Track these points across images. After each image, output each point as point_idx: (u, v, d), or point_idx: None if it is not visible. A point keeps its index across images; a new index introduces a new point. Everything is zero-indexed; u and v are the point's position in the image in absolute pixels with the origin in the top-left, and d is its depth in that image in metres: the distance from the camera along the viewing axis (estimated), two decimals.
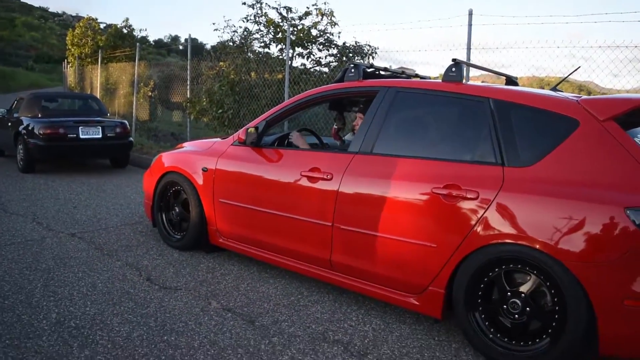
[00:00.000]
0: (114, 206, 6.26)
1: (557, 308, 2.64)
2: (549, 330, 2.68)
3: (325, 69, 9.69)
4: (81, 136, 8.43)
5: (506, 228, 2.73)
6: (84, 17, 20.48)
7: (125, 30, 18.82)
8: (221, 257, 4.47)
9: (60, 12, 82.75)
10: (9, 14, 63.98)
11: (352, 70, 3.81)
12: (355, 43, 9.71)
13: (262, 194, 3.92)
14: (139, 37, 20.05)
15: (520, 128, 2.90)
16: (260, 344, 2.92)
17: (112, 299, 3.47)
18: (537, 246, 2.63)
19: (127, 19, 19.04)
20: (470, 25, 6.21)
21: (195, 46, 12.12)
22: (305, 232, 3.61)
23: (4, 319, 3.10)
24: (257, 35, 9.92)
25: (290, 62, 9.01)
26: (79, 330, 3.01)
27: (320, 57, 9.84)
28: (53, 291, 3.56)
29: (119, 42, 18.06)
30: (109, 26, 20.43)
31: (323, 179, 3.48)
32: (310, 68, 9.75)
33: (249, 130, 4.02)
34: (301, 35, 9.35)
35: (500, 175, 2.82)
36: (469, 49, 6.29)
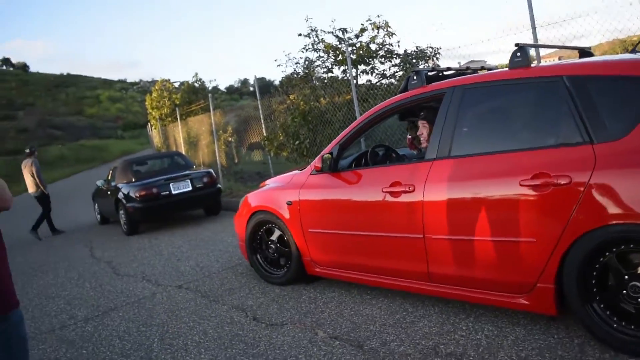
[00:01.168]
0: (213, 253, 6.50)
1: None
2: None
3: (392, 80, 9.63)
4: (173, 192, 8.90)
5: (609, 208, 2.53)
6: (158, 81, 21.88)
7: (197, 85, 19.84)
8: (321, 285, 4.49)
9: (137, 80, 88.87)
10: (93, 91, 69.57)
11: (415, 77, 3.73)
12: (417, 48, 9.58)
13: (347, 217, 3.93)
14: (210, 88, 21.05)
15: (603, 100, 2.70)
16: None
17: (223, 343, 3.58)
18: None
19: (196, 74, 20.14)
20: (530, 2, 5.94)
21: (264, 85, 12.56)
22: (398, 248, 3.57)
23: None
24: (319, 62, 10.06)
25: (355, 81, 9.06)
26: None
27: (384, 70, 9.79)
28: (169, 344, 3.73)
29: (192, 96, 19.08)
30: (182, 84, 21.71)
31: (405, 191, 3.45)
32: (377, 82, 9.73)
33: (324, 157, 4.07)
34: (361, 52, 9.37)
35: (591, 154, 2.63)
36: (533, 28, 5.99)
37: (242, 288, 4.78)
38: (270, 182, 4.95)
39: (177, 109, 17.13)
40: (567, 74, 2.85)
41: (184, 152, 15.75)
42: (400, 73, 9.64)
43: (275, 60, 12.76)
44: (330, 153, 4.06)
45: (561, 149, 2.77)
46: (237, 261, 5.83)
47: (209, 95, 13.73)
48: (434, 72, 3.91)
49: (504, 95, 3.22)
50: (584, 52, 3.83)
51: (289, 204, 4.37)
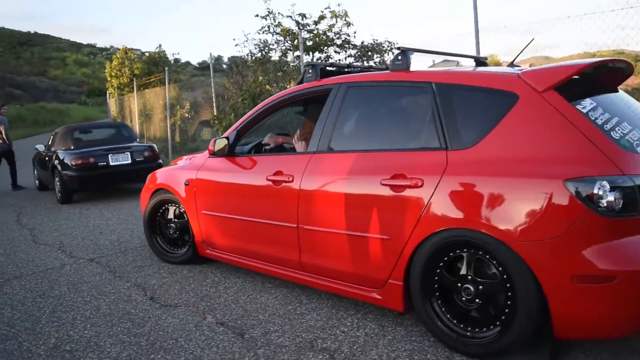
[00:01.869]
0: (139, 228, 6.37)
1: (508, 292, 2.54)
2: (502, 317, 2.58)
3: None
4: (111, 163, 8.70)
5: (450, 213, 2.66)
6: (120, 49, 21.30)
7: (158, 57, 19.38)
8: (228, 270, 4.45)
9: (108, 46, 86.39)
10: (60, 53, 67.41)
11: (310, 71, 3.80)
12: (374, 41, 9.57)
13: (235, 201, 3.99)
14: (172, 61, 20.61)
15: (462, 109, 2.82)
16: (244, 357, 2.85)
17: (111, 320, 3.50)
18: (481, 229, 2.54)
19: (159, 45, 19.75)
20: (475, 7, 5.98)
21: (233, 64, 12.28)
22: (276, 236, 3.65)
23: (6, 347, 3.18)
24: (274, 46, 9.95)
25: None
26: (72, 354, 3.04)
27: (339, 60, 9.75)
28: (58, 317, 3.63)
29: (153, 68, 18.64)
30: (143, 54, 21.18)
31: (285, 181, 3.52)
32: None
33: (217, 141, 4.11)
34: (317, 39, 9.30)
35: (444, 159, 2.75)
36: (477, 32, 6.04)
37: (152, 266, 4.70)
38: (180, 161, 4.90)
39: (135, 79, 16.72)
40: (436, 81, 2.94)
41: (137, 125, 15.41)
42: (356, 64, 9.61)
43: (234, 40, 12.51)
44: (227, 138, 4.08)
45: (420, 153, 2.89)
46: None
47: (166, 68, 13.43)
48: (333, 69, 3.95)
49: (381, 95, 3.34)
50: (479, 61, 3.88)
51: (187, 184, 4.40)
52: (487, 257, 2.61)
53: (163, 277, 4.37)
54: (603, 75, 2.88)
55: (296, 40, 9.49)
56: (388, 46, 9.51)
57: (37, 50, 66.84)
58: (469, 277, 2.70)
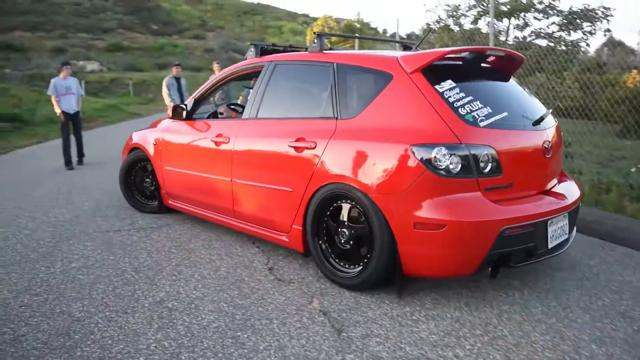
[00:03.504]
0: None
1: (371, 237, 3.05)
2: (365, 258, 3.14)
3: (548, 42, 8.32)
4: None
5: (333, 170, 3.24)
6: (320, 17, 21.85)
7: (358, 25, 19.39)
8: None
9: (321, 16, 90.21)
10: (277, 22, 72.60)
11: (252, 49, 4.39)
12: (585, 7, 8.10)
13: (188, 158, 4.64)
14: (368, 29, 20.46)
15: (351, 86, 3.40)
16: None
17: (223, 284, 3.39)
18: (352, 183, 3.11)
19: (358, 13, 19.66)
20: None
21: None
22: (216, 188, 4.27)
23: (122, 292, 3.25)
24: (466, 11, 9.03)
25: (506, 37, 7.99)
26: (171, 312, 2.98)
27: (540, 28, 8.50)
28: (179, 271, 3.64)
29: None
30: (340, 22, 21.42)
31: (223, 142, 4.13)
32: (530, 40, 8.50)
33: (176, 107, 4.76)
34: (514, 2, 8.18)
35: (333, 127, 3.33)
36: None
37: None
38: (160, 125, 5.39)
39: (330, 47, 16.94)
40: (337, 62, 3.50)
41: None
42: (563, 33, 8.29)
43: (424, 5, 11.75)
44: (185, 104, 4.76)
45: (319, 120, 3.47)
46: None
47: (356, 37, 13.24)
48: (273, 48, 4.49)
49: (297, 72, 3.95)
50: (406, 46, 4.54)
51: (154, 143, 5.05)
52: (359, 207, 3.13)
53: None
54: (495, 61, 3.56)
55: (488, 4, 8.49)
56: (602, 14, 7.97)
57: (258, 19, 72.97)
58: (345, 223, 3.26)
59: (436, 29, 9.39)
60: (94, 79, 33.85)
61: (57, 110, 8.48)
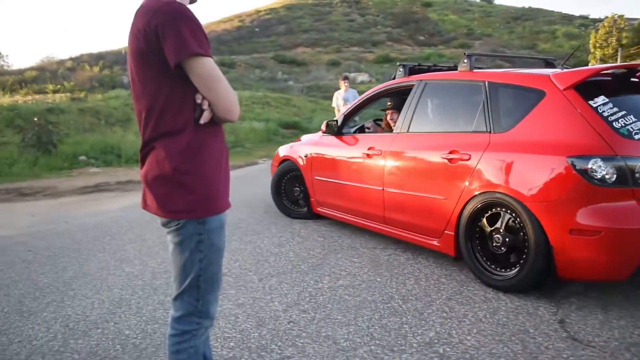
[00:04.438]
0: None
1: (525, 243, 3.26)
2: (520, 261, 3.32)
3: None
4: None
5: (488, 179, 3.48)
6: (608, 17, 19.07)
7: None
8: None
9: (602, 17, 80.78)
10: (550, 26, 67.35)
11: (401, 69, 4.71)
12: None
13: (338, 169, 5.00)
14: None
15: (504, 102, 3.63)
16: None
17: (502, 333, 2.84)
18: (507, 192, 3.33)
19: None
20: None
21: None
22: (367, 196, 4.54)
23: (387, 323, 2.97)
24: None
25: None
26: (442, 359, 2.56)
27: None
28: (450, 307, 3.21)
29: None
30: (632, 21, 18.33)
31: (375, 154, 4.43)
32: None
33: (329, 123, 5.23)
34: None
35: (487, 140, 3.57)
36: None
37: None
38: (302, 138, 6.01)
39: (620, 49, 14.68)
40: (488, 80, 3.77)
41: None
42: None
43: None
44: (336, 120, 5.21)
45: (472, 134, 3.73)
46: None
47: None
48: (418, 67, 4.79)
49: (448, 90, 4.32)
50: (548, 62, 4.84)
51: (305, 155, 5.48)
52: (513, 214, 3.34)
53: (586, 294, 3.38)
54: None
55: None
56: None
57: (528, 25, 68.61)
58: (499, 230, 3.45)
59: None
60: (363, 89, 36.02)
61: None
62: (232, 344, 2.84)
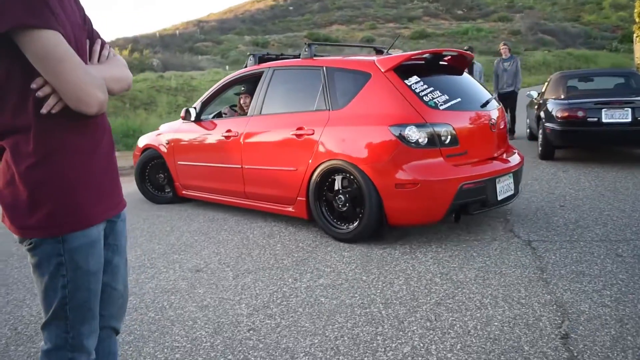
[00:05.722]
0: (616, 208, 4.78)
1: (362, 199, 3.89)
2: (360, 215, 3.97)
3: None
4: (603, 120, 7.00)
5: (329, 149, 4.08)
6: None
7: None
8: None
9: None
10: None
11: (251, 58, 5.42)
12: None
13: (200, 153, 5.36)
14: None
15: (339, 84, 4.26)
16: None
17: (491, 350, 2.40)
18: (344, 159, 3.95)
19: None
20: None
21: None
22: (228, 175, 5.02)
23: (360, 335, 2.57)
24: None
25: None
26: None
27: None
28: (437, 314, 2.78)
29: None
30: None
31: (233, 136, 4.94)
32: None
33: (188, 109, 5.55)
34: None
35: (327, 117, 4.19)
36: None
37: (592, 274, 3.22)
38: (161, 127, 6.20)
39: None
40: (326, 65, 4.42)
41: None
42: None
43: None
44: (194, 107, 5.49)
45: (315, 113, 4.32)
46: None
47: None
48: (267, 56, 5.53)
49: (293, 76, 4.90)
50: (377, 50, 5.41)
51: (167, 142, 5.72)
52: (351, 176, 3.98)
53: (602, 301, 2.88)
54: (450, 60, 4.56)
55: None
56: None
57: None
58: (340, 190, 4.08)
59: None
60: None
61: None
62: (177, 355, 2.51)
